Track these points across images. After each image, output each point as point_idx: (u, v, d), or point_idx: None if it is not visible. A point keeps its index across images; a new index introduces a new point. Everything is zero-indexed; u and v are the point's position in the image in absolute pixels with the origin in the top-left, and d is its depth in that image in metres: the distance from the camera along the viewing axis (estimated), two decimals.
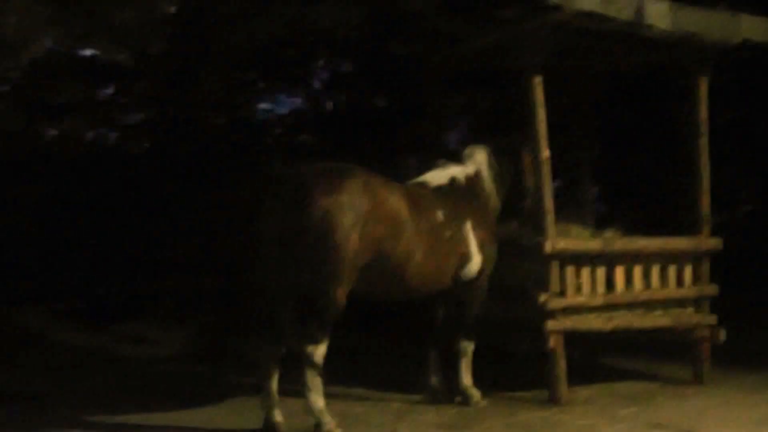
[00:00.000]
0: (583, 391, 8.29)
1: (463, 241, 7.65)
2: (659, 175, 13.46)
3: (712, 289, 8.95)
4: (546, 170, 8.20)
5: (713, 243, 9.00)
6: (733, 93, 13.52)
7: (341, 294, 6.71)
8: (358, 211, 6.74)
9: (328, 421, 6.66)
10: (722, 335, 8.87)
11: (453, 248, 7.56)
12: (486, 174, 8.22)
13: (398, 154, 16.97)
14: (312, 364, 6.62)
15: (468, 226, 7.71)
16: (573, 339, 8.23)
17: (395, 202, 7.07)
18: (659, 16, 8.04)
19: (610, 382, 8.76)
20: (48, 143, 14.54)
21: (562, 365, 7.98)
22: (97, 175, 13.77)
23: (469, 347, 8.00)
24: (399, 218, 7.05)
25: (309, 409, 6.67)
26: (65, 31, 8.46)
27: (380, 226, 6.88)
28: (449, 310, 8.11)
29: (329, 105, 17.39)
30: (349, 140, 15.61)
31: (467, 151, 8.29)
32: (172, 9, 8.31)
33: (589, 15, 7.75)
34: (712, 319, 8.92)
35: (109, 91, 14.56)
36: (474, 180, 8.11)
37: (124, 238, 13.09)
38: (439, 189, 7.79)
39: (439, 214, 7.48)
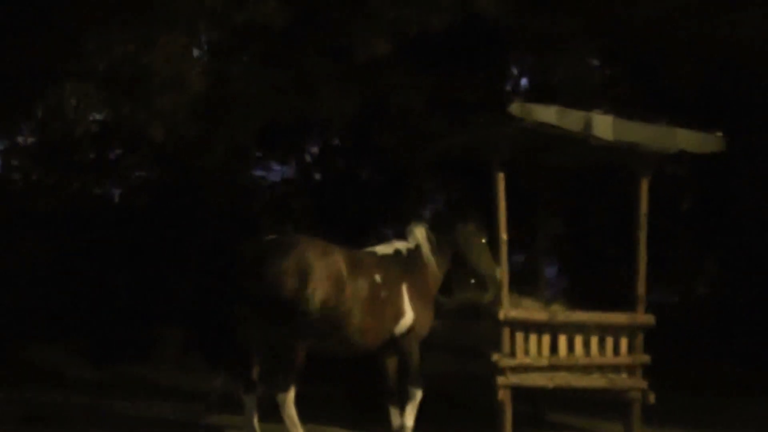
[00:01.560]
0: None
1: (398, 300, 8.95)
2: (611, 255, 14.99)
3: (644, 358, 10.34)
4: (503, 250, 9.80)
5: (646, 319, 10.43)
6: (693, 183, 15.08)
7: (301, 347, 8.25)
8: (302, 274, 8.23)
9: None
10: (652, 398, 10.27)
11: (388, 306, 8.87)
12: (425, 247, 9.37)
13: (378, 225, 18.53)
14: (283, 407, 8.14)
15: (403, 288, 9.01)
16: (521, 395, 9.75)
17: (335, 264, 8.48)
18: (604, 128, 9.63)
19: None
20: (65, 197, 16.10)
21: (509, 415, 9.49)
22: (108, 227, 15.35)
23: (416, 393, 9.03)
24: (340, 278, 8.46)
25: None
26: (113, 111, 10.01)
27: (324, 285, 8.32)
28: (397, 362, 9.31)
29: (318, 176, 18.92)
30: (334, 209, 17.13)
31: (409, 228, 9.52)
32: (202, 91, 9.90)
33: (546, 125, 9.36)
34: (644, 383, 10.30)
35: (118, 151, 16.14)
36: (414, 252, 9.31)
37: (128, 285, 14.65)
38: (383, 257, 9.14)
39: (377, 277, 8.81)
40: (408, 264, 9.23)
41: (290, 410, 8.20)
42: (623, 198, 11.59)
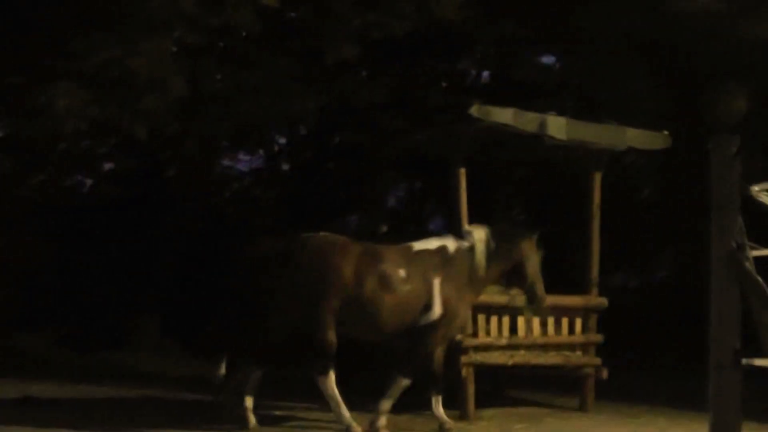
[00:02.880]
0: (488, 412, 10.45)
1: (426, 294, 9.32)
2: (568, 242, 15.76)
3: (597, 338, 11.14)
4: None
5: (599, 301, 11.22)
6: (651, 172, 15.78)
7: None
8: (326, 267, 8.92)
9: (355, 426, 8.80)
10: (605, 373, 11.03)
11: (414, 299, 9.22)
12: (479, 250, 9.47)
13: (342, 212, 19.23)
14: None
15: (435, 283, 9.31)
16: (483, 373, 10.52)
17: (355, 259, 9.09)
18: (557, 128, 10.36)
19: (510, 407, 10.96)
20: (39, 189, 16.68)
21: (471, 391, 10.23)
22: (82, 218, 15.97)
23: (402, 382, 9.24)
24: (359, 272, 9.05)
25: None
26: (100, 111, 10.63)
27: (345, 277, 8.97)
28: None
29: (285, 166, 19.57)
30: (300, 197, 17.81)
31: (468, 228, 9.82)
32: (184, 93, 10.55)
33: (503, 125, 10.10)
34: (597, 360, 11.08)
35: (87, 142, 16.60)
36: (465, 252, 9.46)
37: (105, 275, 15.30)
38: (418, 252, 9.49)
39: (401, 272, 9.23)
40: (450, 262, 9.42)
41: (332, 391, 8.85)
42: (579, 188, 12.34)
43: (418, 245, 9.57)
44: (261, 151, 19.31)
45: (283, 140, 18.81)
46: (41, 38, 10.74)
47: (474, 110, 9.86)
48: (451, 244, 9.54)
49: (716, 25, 12.59)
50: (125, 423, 9.48)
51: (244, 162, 19.77)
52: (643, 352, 15.13)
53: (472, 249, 9.46)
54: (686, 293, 16.38)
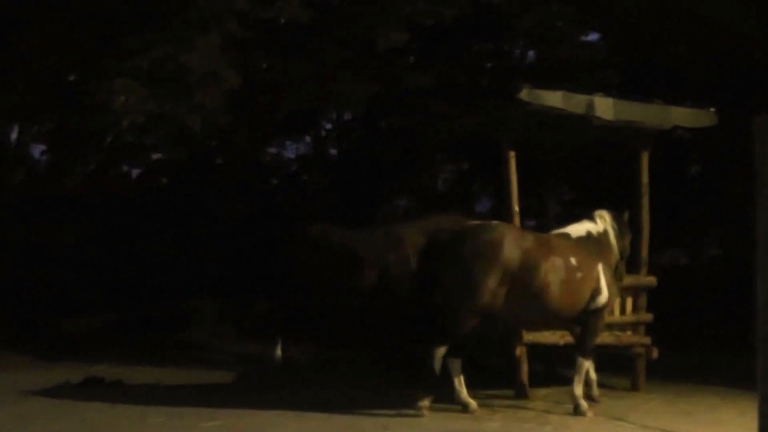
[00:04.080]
0: (541, 391, 10.64)
1: (594, 280, 9.55)
2: None
3: (647, 317, 11.24)
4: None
5: (649, 280, 11.33)
6: (699, 149, 15.79)
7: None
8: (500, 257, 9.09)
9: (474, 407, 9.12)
10: (655, 353, 11.15)
11: (585, 285, 9.49)
12: (611, 233, 9.97)
13: (390, 196, 19.44)
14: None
15: (599, 269, 9.60)
16: (536, 353, 10.69)
17: (531, 249, 9.28)
18: (605, 109, 10.49)
19: (562, 386, 11.07)
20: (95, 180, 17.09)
21: (525, 370, 10.43)
22: (144, 208, 16.36)
23: (584, 363, 9.67)
24: (530, 261, 9.22)
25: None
26: (157, 105, 10.94)
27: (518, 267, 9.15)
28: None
29: (333, 151, 19.81)
30: (348, 182, 18.04)
31: (598, 212, 10.07)
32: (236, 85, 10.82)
33: (552, 108, 10.23)
34: (647, 340, 11.21)
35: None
36: (603, 236, 9.90)
37: (170, 261, 15.70)
38: (578, 240, 9.78)
39: (572, 260, 9.47)
40: (600, 246, 9.81)
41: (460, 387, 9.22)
42: (625, 168, 12.45)
43: (573, 231, 9.86)
44: (308, 138, 19.58)
45: (329, 126, 19.06)
46: (97, 37, 11.04)
47: (523, 94, 9.99)
48: (592, 228, 9.89)
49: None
50: (195, 401, 9.76)
51: (291, 148, 20.13)
52: (692, 331, 15.17)
53: (606, 233, 9.89)
54: (736, 271, 16.48)
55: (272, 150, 19.83)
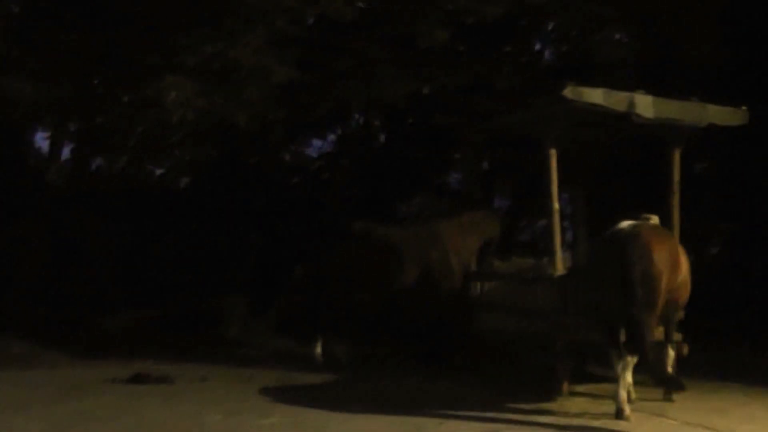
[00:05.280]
0: (578, 388, 10.83)
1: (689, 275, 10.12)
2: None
3: (678, 315, 11.40)
4: (556, 219, 10.92)
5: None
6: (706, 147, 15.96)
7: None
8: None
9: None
10: (686, 350, 11.19)
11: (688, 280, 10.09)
12: None
13: (411, 193, 19.63)
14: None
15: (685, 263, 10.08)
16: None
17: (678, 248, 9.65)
18: (645, 106, 10.66)
19: (596, 383, 11.17)
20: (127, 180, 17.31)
21: (567, 365, 10.67)
22: (174, 207, 16.55)
23: (672, 352, 10.44)
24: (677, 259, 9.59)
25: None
26: (206, 101, 11.13)
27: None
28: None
29: (355, 149, 19.98)
30: (371, 180, 18.24)
31: (645, 215, 10.32)
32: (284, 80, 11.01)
33: (595, 105, 10.44)
34: (678, 336, 11.26)
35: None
36: None
37: (202, 258, 15.88)
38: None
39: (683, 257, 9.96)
40: None
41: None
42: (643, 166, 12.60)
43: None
44: (332, 136, 19.77)
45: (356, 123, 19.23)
46: (148, 34, 11.22)
47: (567, 91, 10.17)
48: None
49: None
50: (247, 398, 9.95)
51: (314, 147, 20.32)
52: (709, 326, 15.32)
53: None
54: (742, 269, 16.67)
55: (294, 147, 20.05)
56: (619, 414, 9.38)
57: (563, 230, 12.96)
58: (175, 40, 10.77)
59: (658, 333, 10.87)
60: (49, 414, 8.85)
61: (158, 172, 19.67)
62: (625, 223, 9.62)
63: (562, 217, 15.80)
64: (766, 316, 14.99)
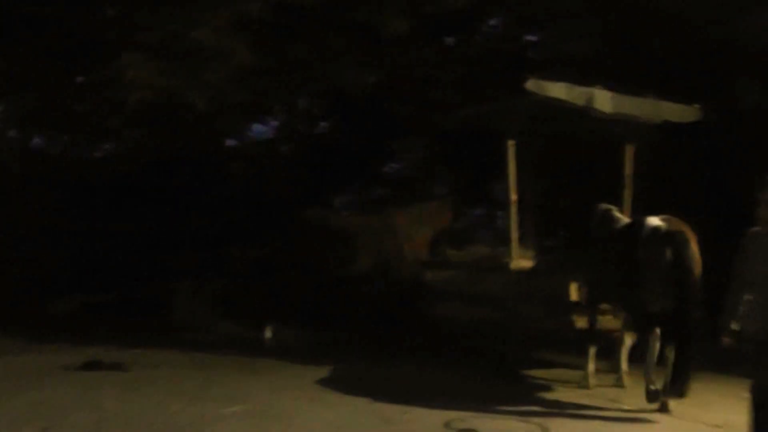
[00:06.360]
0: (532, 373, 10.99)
1: None
2: None
3: None
4: (514, 210, 11.04)
5: None
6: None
7: None
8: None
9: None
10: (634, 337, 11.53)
11: None
12: None
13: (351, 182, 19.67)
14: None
15: None
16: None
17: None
18: (604, 101, 10.80)
19: (547, 368, 11.35)
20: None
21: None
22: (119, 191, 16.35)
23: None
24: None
25: None
26: (168, 82, 10.97)
27: None
28: None
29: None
30: (313, 168, 18.22)
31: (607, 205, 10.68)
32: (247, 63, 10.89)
33: (556, 99, 10.56)
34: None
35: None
36: None
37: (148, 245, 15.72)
38: None
39: None
40: None
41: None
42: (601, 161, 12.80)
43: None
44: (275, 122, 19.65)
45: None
46: (108, 12, 11.02)
47: (530, 85, 10.28)
48: None
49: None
50: (206, 385, 9.86)
51: (255, 132, 20.17)
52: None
53: None
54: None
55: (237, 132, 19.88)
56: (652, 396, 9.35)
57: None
58: (135, 17, 10.57)
59: (612, 322, 11.17)
60: (9, 406, 8.56)
61: (100, 155, 19.31)
62: (658, 220, 9.45)
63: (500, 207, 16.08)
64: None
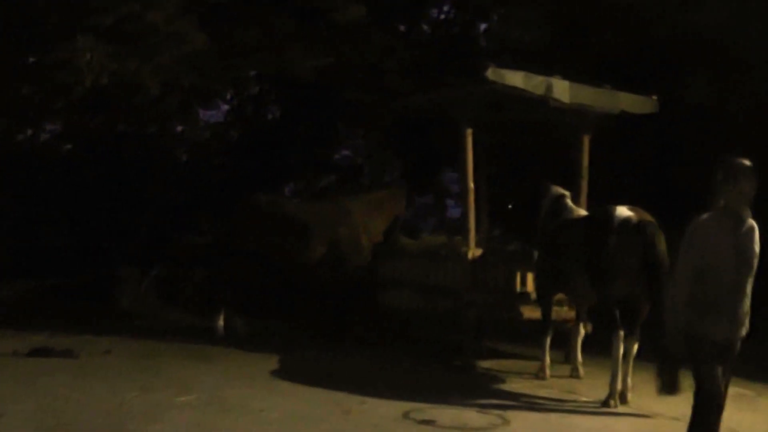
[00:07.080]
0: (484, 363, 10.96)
1: None
2: None
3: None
4: (470, 198, 10.98)
5: None
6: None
7: None
8: None
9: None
10: (589, 328, 11.26)
11: None
12: None
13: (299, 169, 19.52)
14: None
15: None
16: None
17: None
18: (562, 91, 10.77)
19: (500, 359, 11.36)
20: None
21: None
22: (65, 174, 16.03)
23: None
24: None
25: None
26: (120, 66, 10.73)
27: None
28: None
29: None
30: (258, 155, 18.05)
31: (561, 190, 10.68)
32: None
33: (514, 88, 10.49)
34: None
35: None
36: None
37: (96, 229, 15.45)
38: None
39: None
40: None
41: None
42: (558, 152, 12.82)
43: None
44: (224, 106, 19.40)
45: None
46: None
47: (489, 73, 10.20)
48: None
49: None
50: (159, 372, 9.74)
51: (204, 117, 19.89)
52: None
53: None
54: None
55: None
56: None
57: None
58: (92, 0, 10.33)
59: (567, 312, 11.18)
60: None
61: (44, 137, 18.91)
62: (627, 210, 9.33)
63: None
64: None
